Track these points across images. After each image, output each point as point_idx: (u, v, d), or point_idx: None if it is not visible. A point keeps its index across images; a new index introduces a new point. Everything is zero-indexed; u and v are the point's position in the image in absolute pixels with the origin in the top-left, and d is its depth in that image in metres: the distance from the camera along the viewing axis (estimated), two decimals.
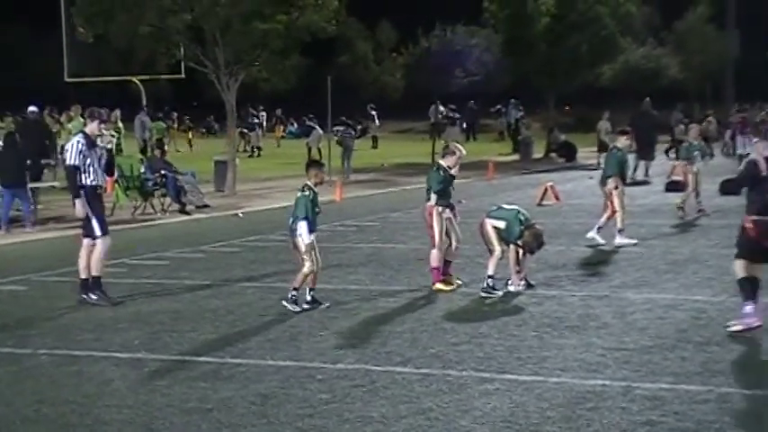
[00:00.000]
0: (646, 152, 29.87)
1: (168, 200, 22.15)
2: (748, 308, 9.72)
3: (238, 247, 16.96)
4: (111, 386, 8.78)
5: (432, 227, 12.81)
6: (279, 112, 51.62)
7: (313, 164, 12.31)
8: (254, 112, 47.36)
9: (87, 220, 12.35)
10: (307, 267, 11.51)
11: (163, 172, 22.10)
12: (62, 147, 20.21)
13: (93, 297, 12.29)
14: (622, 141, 17.09)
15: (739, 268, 9.92)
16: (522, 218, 12.43)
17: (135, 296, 12.74)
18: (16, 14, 63.38)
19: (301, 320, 11.11)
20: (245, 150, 43.52)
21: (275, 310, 11.63)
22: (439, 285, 12.65)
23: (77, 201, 12.21)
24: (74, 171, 12.18)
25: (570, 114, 41.84)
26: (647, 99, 33.22)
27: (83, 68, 35.77)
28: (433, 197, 12.78)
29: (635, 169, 29.28)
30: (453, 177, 13.03)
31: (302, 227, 11.50)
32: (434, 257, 12.74)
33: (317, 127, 39.56)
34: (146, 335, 10.62)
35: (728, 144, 36.90)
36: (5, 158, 19.49)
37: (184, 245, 17.26)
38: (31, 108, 24.18)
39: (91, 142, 12.33)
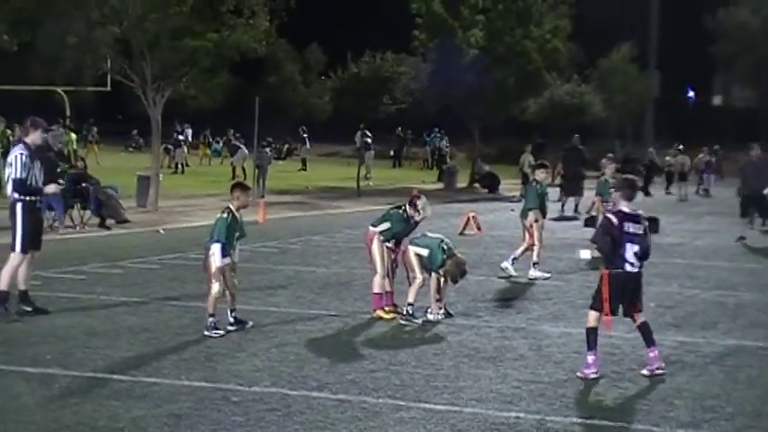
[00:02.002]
0: (574, 188, 30.08)
1: (88, 213, 21.81)
2: (590, 358, 9.82)
3: (157, 264, 16.77)
4: (18, 401, 8.59)
5: (371, 252, 12.81)
6: (231, 132, 50.55)
7: (237, 187, 12.02)
8: (180, 129, 46.90)
9: (14, 232, 12.12)
10: (213, 290, 11.35)
11: (84, 184, 21.76)
12: None
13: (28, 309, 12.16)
14: (540, 175, 17.30)
15: (592, 319, 9.94)
16: (446, 247, 12.50)
17: (49, 310, 12.48)
18: None
19: (218, 341, 11.00)
20: (169, 166, 43.07)
21: (192, 329, 11.51)
22: (379, 312, 12.60)
23: (48, 187, 12.44)
24: (21, 184, 12.00)
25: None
26: (576, 135, 33.60)
27: (6, 76, 35.11)
28: (382, 227, 12.78)
29: (563, 206, 29.54)
30: (415, 226, 13.06)
31: (215, 249, 11.36)
32: (376, 283, 12.68)
33: (243, 146, 39.37)
34: (58, 350, 10.42)
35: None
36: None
37: (103, 259, 17.01)
38: None
39: (32, 153, 12.16)
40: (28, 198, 12.11)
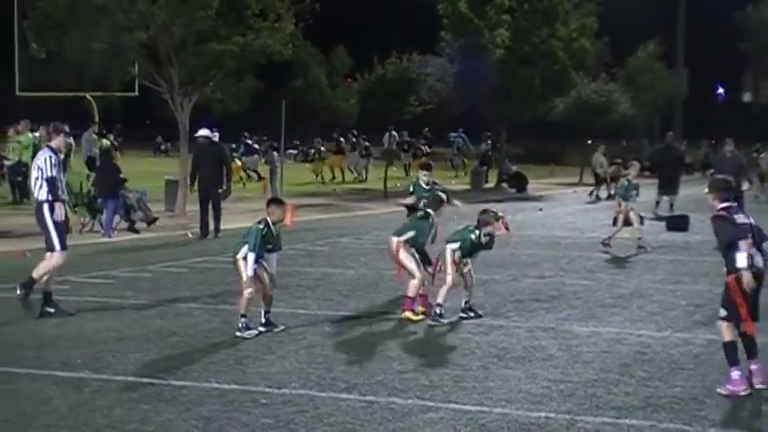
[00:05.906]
0: (670, 187, 29.14)
1: (117, 218, 21.92)
2: (735, 374, 9.17)
3: (186, 268, 16.83)
4: (49, 405, 8.64)
5: (400, 261, 12.74)
6: (343, 133, 48.27)
7: (272, 202, 12.02)
8: (247, 135, 46.49)
9: (48, 233, 12.47)
10: (247, 293, 11.41)
11: None
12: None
13: (51, 310, 12.41)
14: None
15: (727, 333, 9.24)
16: (471, 227, 12.66)
17: (79, 314, 12.56)
18: None
19: (247, 344, 11.03)
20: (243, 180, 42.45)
21: (221, 332, 11.55)
22: (408, 314, 12.56)
23: (57, 204, 12.45)
24: (52, 181, 12.41)
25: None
26: (670, 133, 33.06)
27: (34, 83, 35.29)
28: (407, 236, 12.74)
29: (657, 204, 28.74)
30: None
31: (249, 258, 11.38)
32: (412, 287, 12.59)
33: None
34: (88, 354, 10.48)
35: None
36: (102, 172, 21.96)
37: (131, 264, 17.09)
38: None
39: (59, 157, 12.63)
40: (53, 199, 12.42)
